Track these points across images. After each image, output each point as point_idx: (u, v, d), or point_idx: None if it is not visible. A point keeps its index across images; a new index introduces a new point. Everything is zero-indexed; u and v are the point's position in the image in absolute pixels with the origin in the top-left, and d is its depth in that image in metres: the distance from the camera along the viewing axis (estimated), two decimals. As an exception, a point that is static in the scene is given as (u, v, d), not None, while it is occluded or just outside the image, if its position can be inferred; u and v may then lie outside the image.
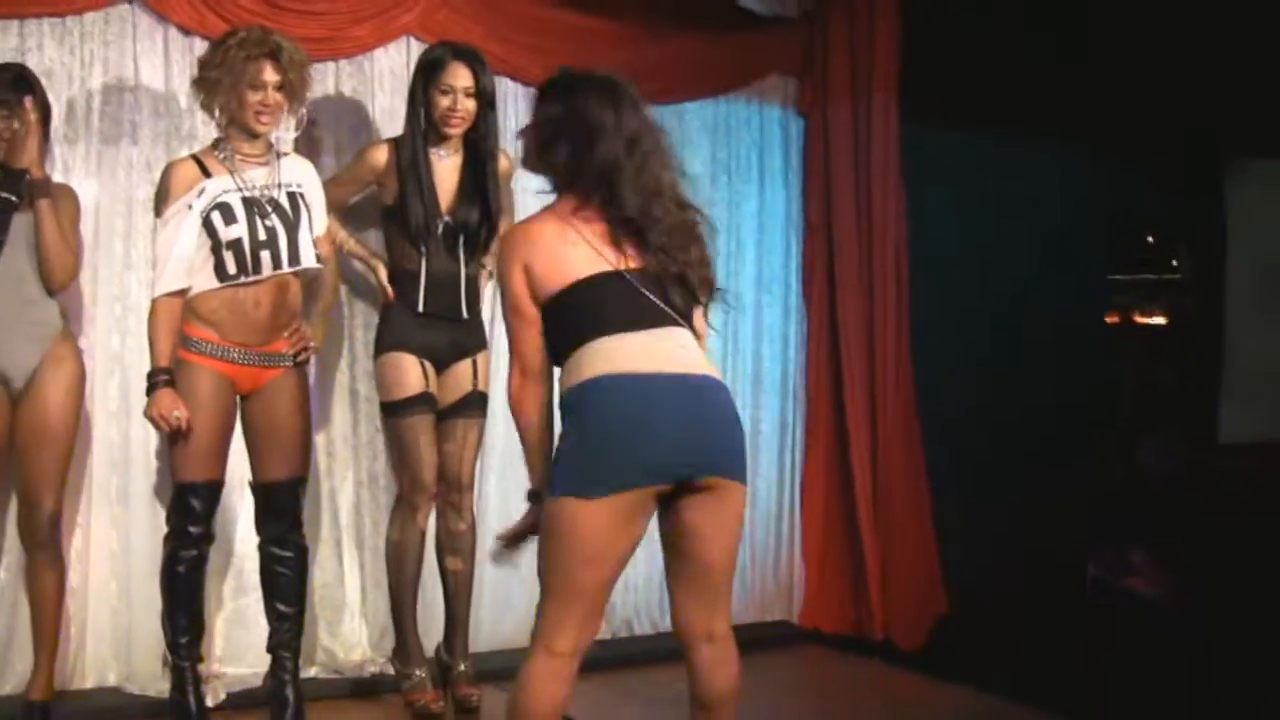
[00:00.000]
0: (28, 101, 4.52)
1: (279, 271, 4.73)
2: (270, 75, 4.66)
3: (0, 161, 4.50)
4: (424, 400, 5.11)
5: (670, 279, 3.60)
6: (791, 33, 6.50)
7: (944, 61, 6.51)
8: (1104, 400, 8.19)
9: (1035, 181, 7.45)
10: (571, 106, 3.62)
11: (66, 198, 4.71)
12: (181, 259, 4.63)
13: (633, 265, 3.56)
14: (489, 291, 5.35)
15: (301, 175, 4.88)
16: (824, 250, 6.56)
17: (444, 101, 5.03)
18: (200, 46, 5.08)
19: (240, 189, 4.70)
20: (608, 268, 3.54)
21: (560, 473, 3.45)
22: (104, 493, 5.18)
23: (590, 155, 3.56)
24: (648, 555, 5.77)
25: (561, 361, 3.56)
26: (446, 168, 5.15)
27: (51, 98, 4.84)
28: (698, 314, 3.73)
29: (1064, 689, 5.54)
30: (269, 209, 4.73)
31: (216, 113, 4.75)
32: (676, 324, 3.58)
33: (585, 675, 3.57)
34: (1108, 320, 8.71)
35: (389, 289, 5.14)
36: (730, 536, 3.60)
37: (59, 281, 4.62)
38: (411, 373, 5.10)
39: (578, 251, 3.55)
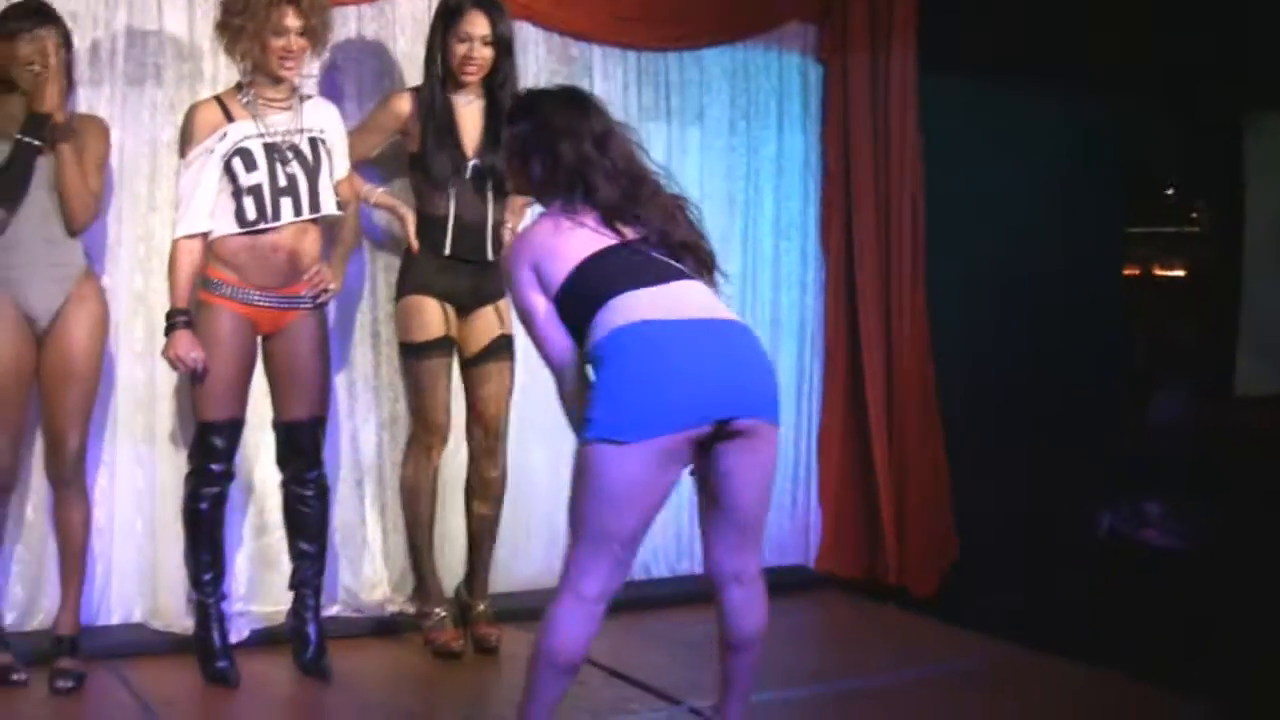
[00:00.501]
0: (50, 44, 4.53)
1: (299, 218, 4.78)
2: (292, 21, 4.69)
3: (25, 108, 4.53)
4: (444, 344, 5.15)
5: (675, 246, 3.66)
6: (811, -20, 6.49)
7: (963, 9, 6.50)
8: (1119, 353, 8.20)
9: (1053, 131, 7.45)
10: (536, 120, 3.72)
11: (93, 134, 4.72)
12: (203, 202, 4.68)
13: (634, 238, 3.63)
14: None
15: (324, 120, 4.92)
16: (841, 197, 6.57)
17: (461, 49, 5.04)
18: (224, -14, 5.13)
19: (262, 134, 4.74)
20: (611, 242, 3.60)
21: (592, 418, 3.44)
22: (129, 431, 5.24)
23: (562, 159, 3.64)
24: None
25: (584, 336, 3.59)
26: (470, 113, 5.17)
27: (76, 41, 4.85)
28: (709, 285, 3.77)
29: (1077, 636, 5.56)
30: (290, 155, 4.77)
31: (239, 58, 4.78)
32: (691, 278, 3.63)
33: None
34: (1125, 273, 8.70)
35: (415, 242, 5.15)
36: (763, 480, 3.62)
37: (79, 223, 4.65)
38: (432, 316, 5.13)
39: (577, 236, 3.60)
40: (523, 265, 3.62)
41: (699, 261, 3.71)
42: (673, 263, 3.63)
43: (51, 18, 4.61)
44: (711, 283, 3.74)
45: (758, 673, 3.86)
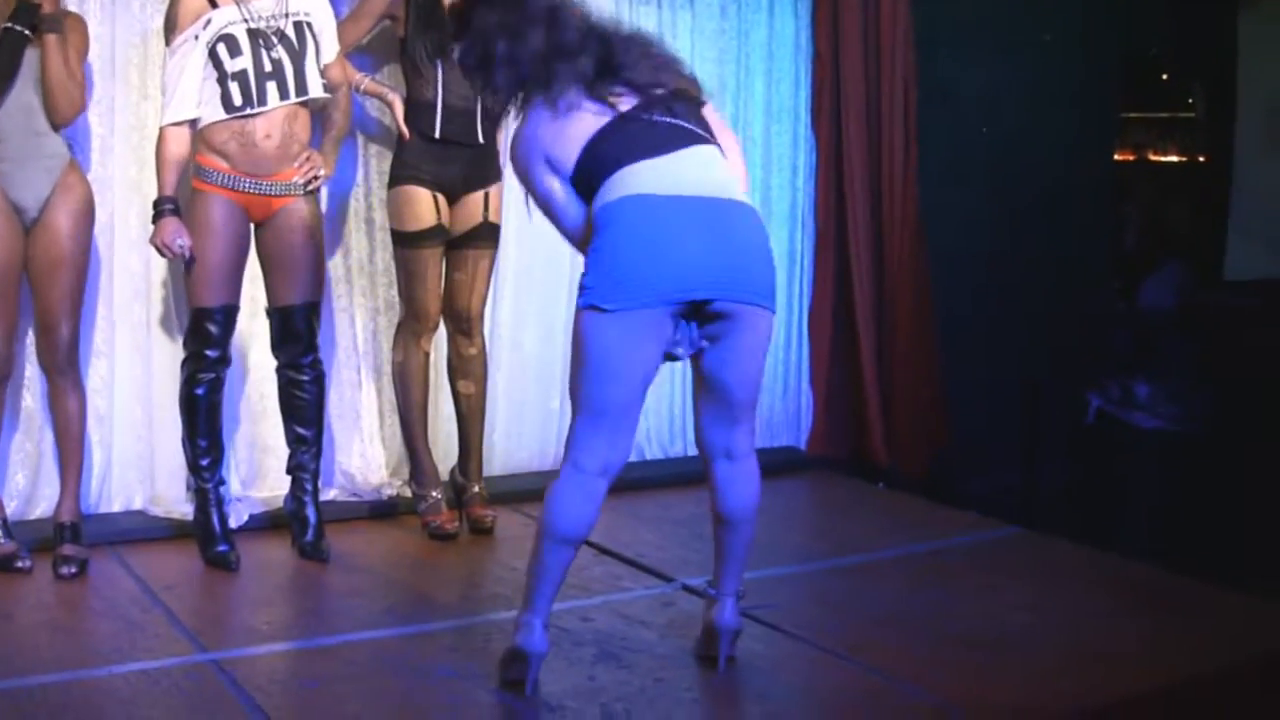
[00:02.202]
0: None
1: (285, 102, 4.77)
2: None
3: None
4: (435, 233, 5.17)
5: (670, 99, 3.65)
6: None
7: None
8: (1111, 237, 8.23)
9: (1047, 14, 7.41)
10: (474, 33, 3.71)
11: (74, 29, 4.70)
12: (189, 89, 4.67)
13: (629, 107, 3.62)
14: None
15: (310, 3, 4.89)
16: (832, 81, 6.57)
17: None
18: (213, -126, 5.10)
19: (246, 20, 4.73)
20: (608, 118, 3.59)
21: (584, 285, 3.50)
22: (126, 320, 5.28)
23: (518, 59, 3.65)
24: (657, 381, 5.93)
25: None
26: None
27: (65, -69, 4.85)
28: (711, 114, 3.78)
29: (1065, 515, 5.62)
30: (274, 40, 4.76)
31: None
32: (699, 141, 3.63)
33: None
34: (1118, 158, 8.70)
35: (405, 129, 5.15)
36: (752, 362, 3.67)
37: (64, 116, 4.65)
38: (424, 205, 5.14)
39: (576, 118, 3.60)
40: (535, 159, 3.65)
41: (691, 100, 3.72)
42: (677, 123, 3.63)
43: None
44: (714, 109, 3.81)
45: (751, 550, 3.92)
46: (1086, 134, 7.77)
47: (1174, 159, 9.73)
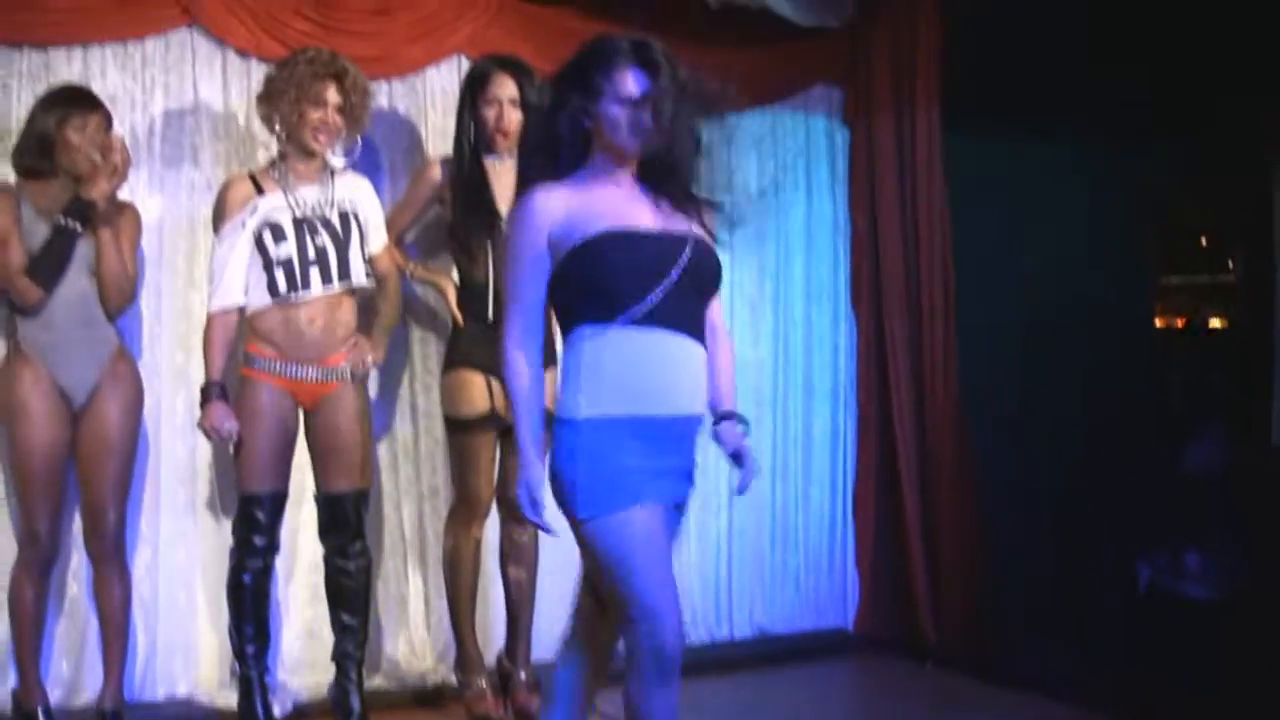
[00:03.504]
0: (117, 141, 4.64)
1: (329, 288, 4.84)
2: (333, 95, 4.80)
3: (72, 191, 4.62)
4: (489, 419, 5.16)
5: (700, 250, 3.55)
6: (835, 43, 6.55)
7: (986, 68, 6.52)
8: (1154, 403, 8.19)
9: (1081, 184, 7.45)
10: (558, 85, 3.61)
11: (128, 219, 4.80)
12: (235, 275, 4.77)
13: (663, 226, 3.54)
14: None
15: (355, 193, 4.99)
16: (870, 259, 6.62)
17: (490, 113, 5.10)
18: (257, 69, 5.25)
19: (292, 207, 4.82)
20: (643, 225, 3.52)
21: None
22: (171, 506, 5.29)
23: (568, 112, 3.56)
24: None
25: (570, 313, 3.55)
26: (503, 174, 5.13)
27: (116, 122, 4.94)
28: (716, 306, 3.73)
29: (1120, 691, 5.53)
30: (320, 227, 4.85)
31: (276, 126, 4.88)
32: (696, 337, 3.54)
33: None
34: (1158, 323, 8.70)
35: (458, 315, 5.18)
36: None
37: (117, 308, 4.75)
38: (478, 391, 5.14)
39: (608, 194, 3.57)
40: (529, 228, 3.52)
41: (713, 277, 3.61)
42: (689, 297, 3.51)
43: (95, 103, 4.72)
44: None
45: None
46: (1125, 300, 7.78)
47: (1216, 323, 9.72)
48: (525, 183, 3.62)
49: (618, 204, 3.50)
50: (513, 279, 3.56)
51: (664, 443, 3.44)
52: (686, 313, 3.48)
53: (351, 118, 4.89)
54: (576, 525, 3.46)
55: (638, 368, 3.42)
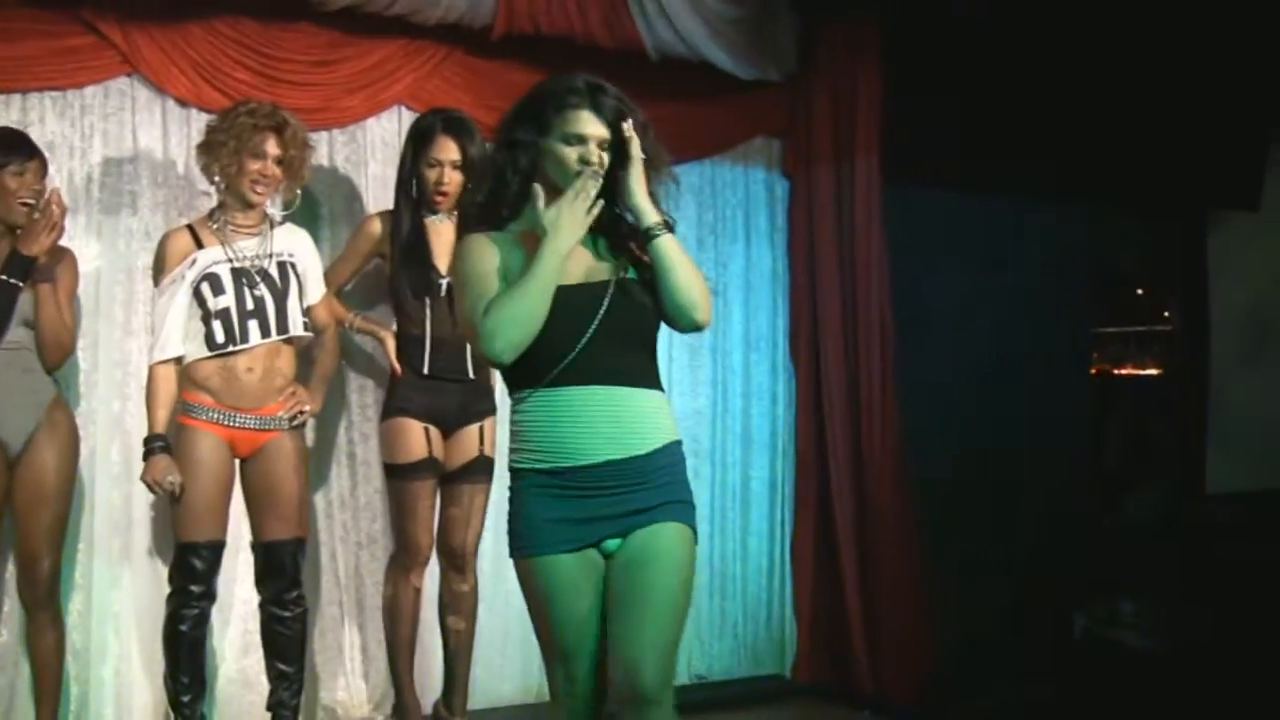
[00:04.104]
0: (56, 194, 4.63)
1: (267, 340, 4.87)
2: (273, 148, 4.82)
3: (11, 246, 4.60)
4: (426, 466, 5.18)
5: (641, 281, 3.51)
6: (775, 97, 6.61)
7: (924, 121, 6.60)
8: (1091, 452, 8.25)
9: (1017, 235, 7.51)
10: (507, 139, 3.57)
11: (65, 267, 4.79)
12: (175, 328, 4.79)
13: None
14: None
15: (294, 244, 5.01)
16: (809, 308, 6.67)
17: (432, 175, 5.12)
18: (197, 118, 5.27)
19: (230, 259, 4.84)
20: (578, 280, 3.48)
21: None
22: (105, 554, 5.26)
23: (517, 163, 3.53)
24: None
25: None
26: (443, 231, 5.21)
27: (54, 169, 4.96)
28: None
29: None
30: (257, 279, 4.86)
31: (216, 177, 4.89)
32: (628, 382, 3.49)
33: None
34: (1093, 372, 8.76)
35: (396, 366, 5.21)
36: None
37: (55, 361, 4.73)
38: (415, 438, 5.16)
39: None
40: (484, 255, 3.47)
41: (637, 317, 3.51)
42: (612, 346, 3.44)
43: (33, 150, 4.72)
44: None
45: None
46: (1061, 349, 7.84)
47: (1152, 372, 9.79)
48: (467, 222, 3.68)
49: None
50: (468, 296, 3.45)
51: (589, 489, 3.42)
52: (610, 363, 3.43)
53: (291, 169, 4.91)
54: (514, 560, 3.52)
55: (553, 428, 3.42)
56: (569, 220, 3.37)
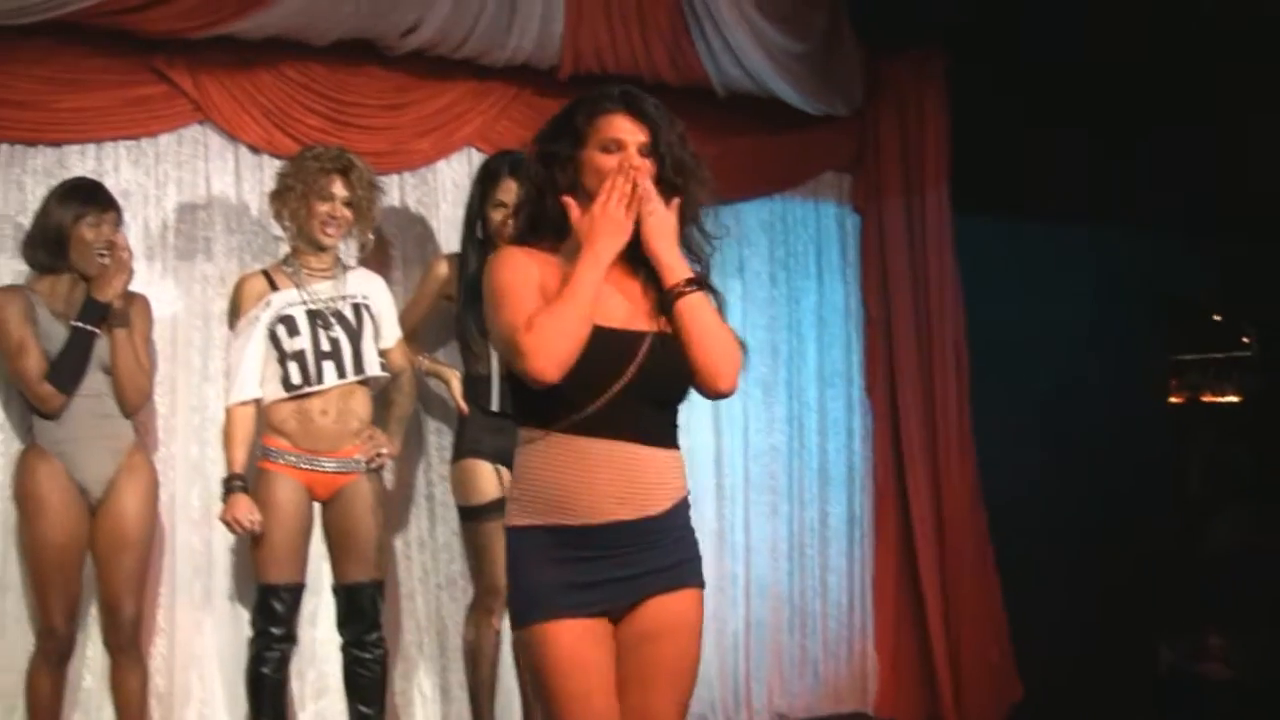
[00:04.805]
0: (121, 238, 4.69)
1: (343, 381, 4.89)
2: (340, 190, 4.86)
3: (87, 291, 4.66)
4: (499, 506, 5.15)
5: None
6: (844, 131, 6.61)
7: (994, 152, 6.58)
8: (1172, 481, 8.16)
9: (1090, 263, 7.47)
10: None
11: (139, 312, 4.84)
12: (251, 370, 4.82)
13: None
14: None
15: (368, 287, 5.04)
16: (883, 343, 6.65)
17: (497, 216, 5.11)
18: (269, 164, 5.31)
19: (305, 301, 4.87)
20: (619, 324, 3.22)
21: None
22: (187, 597, 5.28)
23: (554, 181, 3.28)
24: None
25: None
26: None
27: (129, 217, 5.02)
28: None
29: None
30: (333, 320, 4.89)
31: (286, 222, 4.94)
32: (653, 441, 3.27)
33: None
34: (1175, 399, 8.68)
35: (463, 404, 5.22)
36: None
37: (134, 405, 4.79)
38: (487, 479, 5.15)
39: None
40: (519, 265, 3.21)
41: (671, 379, 3.26)
42: (643, 405, 3.21)
43: (110, 202, 4.77)
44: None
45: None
46: (1137, 376, 7.77)
47: (1232, 399, 9.69)
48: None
49: None
50: (505, 309, 3.17)
51: (594, 552, 3.19)
52: (631, 420, 3.19)
53: (359, 211, 4.95)
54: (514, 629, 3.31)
55: (561, 480, 3.18)
56: (605, 225, 3.14)
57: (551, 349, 3.06)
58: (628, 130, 3.23)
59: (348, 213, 4.91)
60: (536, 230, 3.29)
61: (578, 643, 3.16)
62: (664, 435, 3.27)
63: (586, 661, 3.16)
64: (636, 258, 3.22)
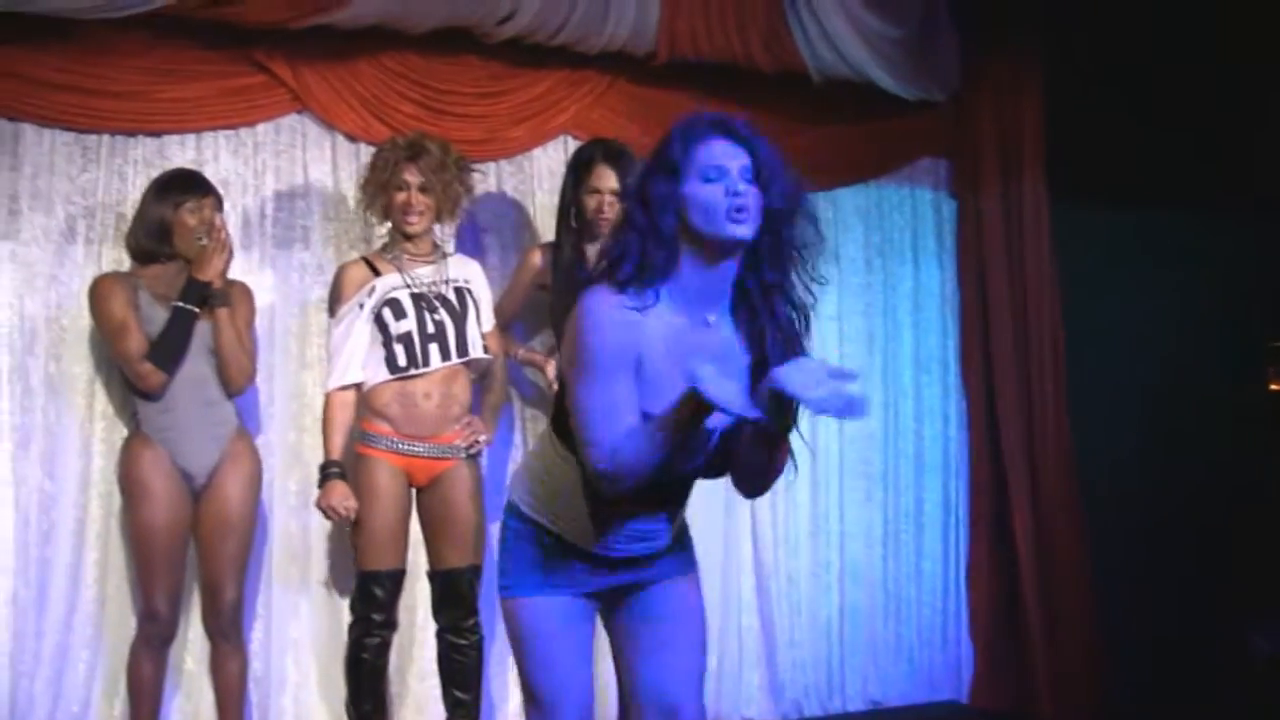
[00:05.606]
0: (216, 216, 4.74)
1: (447, 363, 4.90)
2: (412, 176, 4.90)
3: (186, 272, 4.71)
4: None
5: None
6: (940, 117, 6.58)
7: (1090, 137, 6.53)
8: (1270, 469, 8.05)
9: (1186, 251, 7.37)
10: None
11: (241, 299, 4.90)
12: (353, 355, 4.85)
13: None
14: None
15: (468, 273, 5.07)
16: (980, 329, 6.61)
17: (591, 203, 5.12)
18: (366, 152, 5.33)
19: (409, 285, 4.90)
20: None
21: None
22: (284, 583, 5.35)
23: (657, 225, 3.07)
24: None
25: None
26: None
27: (228, 206, 5.07)
28: None
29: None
30: (437, 304, 4.91)
31: (377, 214, 5.02)
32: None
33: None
34: (1272, 387, 8.55)
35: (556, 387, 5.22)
36: None
37: (238, 386, 4.83)
38: None
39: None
40: (615, 335, 3.01)
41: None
42: (699, 481, 3.28)
43: (209, 187, 4.82)
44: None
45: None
46: (1234, 364, 7.65)
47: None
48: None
49: (691, 353, 2.99)
50: (600, 395, 3.01)
51: (597, 564, 3.26)
52: (678, 494, 3.27)
53: (441, 195, 4.96)
54: (501, 597, 3.35)
55: (586, 516, 3.18)
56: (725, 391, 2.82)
57: (630, 478, 2.99)
58: (728, 153, 3.06)
59: (425, 198, 4.93)
60: (640, 283, 3.03)
61: (564, 615, 3.26)
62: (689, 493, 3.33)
63: (569, 634, 3.28)
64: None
